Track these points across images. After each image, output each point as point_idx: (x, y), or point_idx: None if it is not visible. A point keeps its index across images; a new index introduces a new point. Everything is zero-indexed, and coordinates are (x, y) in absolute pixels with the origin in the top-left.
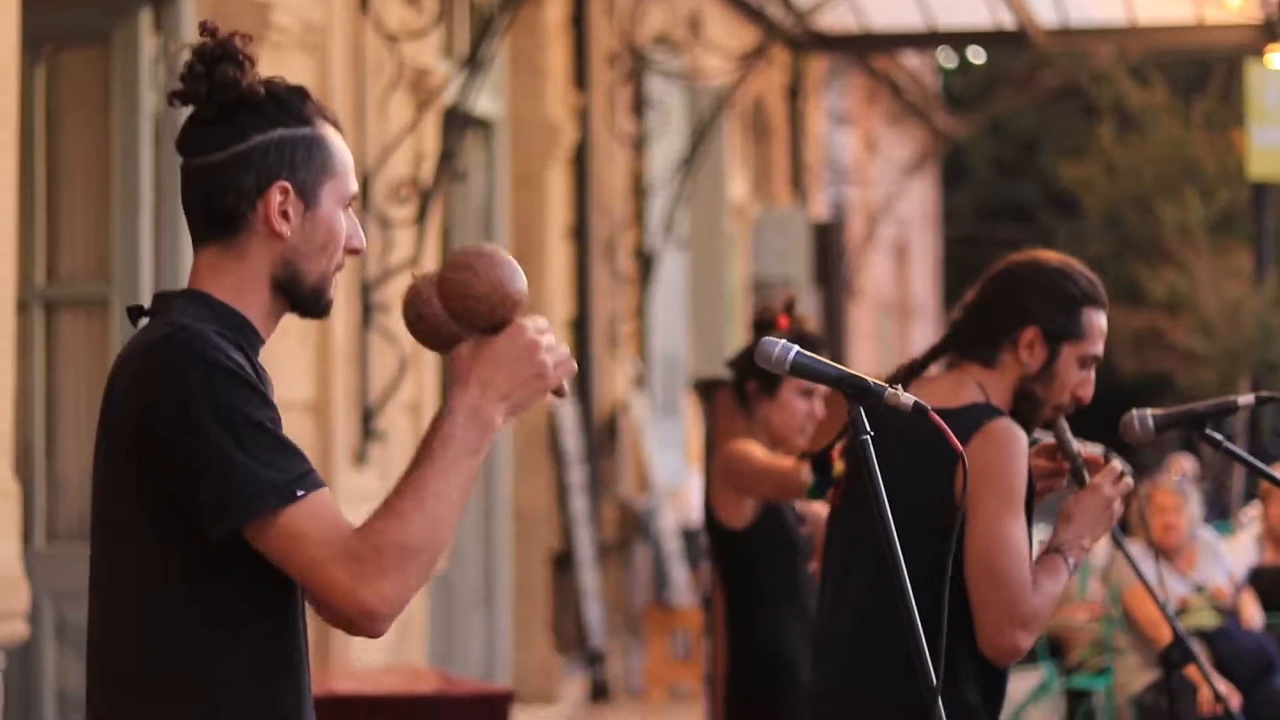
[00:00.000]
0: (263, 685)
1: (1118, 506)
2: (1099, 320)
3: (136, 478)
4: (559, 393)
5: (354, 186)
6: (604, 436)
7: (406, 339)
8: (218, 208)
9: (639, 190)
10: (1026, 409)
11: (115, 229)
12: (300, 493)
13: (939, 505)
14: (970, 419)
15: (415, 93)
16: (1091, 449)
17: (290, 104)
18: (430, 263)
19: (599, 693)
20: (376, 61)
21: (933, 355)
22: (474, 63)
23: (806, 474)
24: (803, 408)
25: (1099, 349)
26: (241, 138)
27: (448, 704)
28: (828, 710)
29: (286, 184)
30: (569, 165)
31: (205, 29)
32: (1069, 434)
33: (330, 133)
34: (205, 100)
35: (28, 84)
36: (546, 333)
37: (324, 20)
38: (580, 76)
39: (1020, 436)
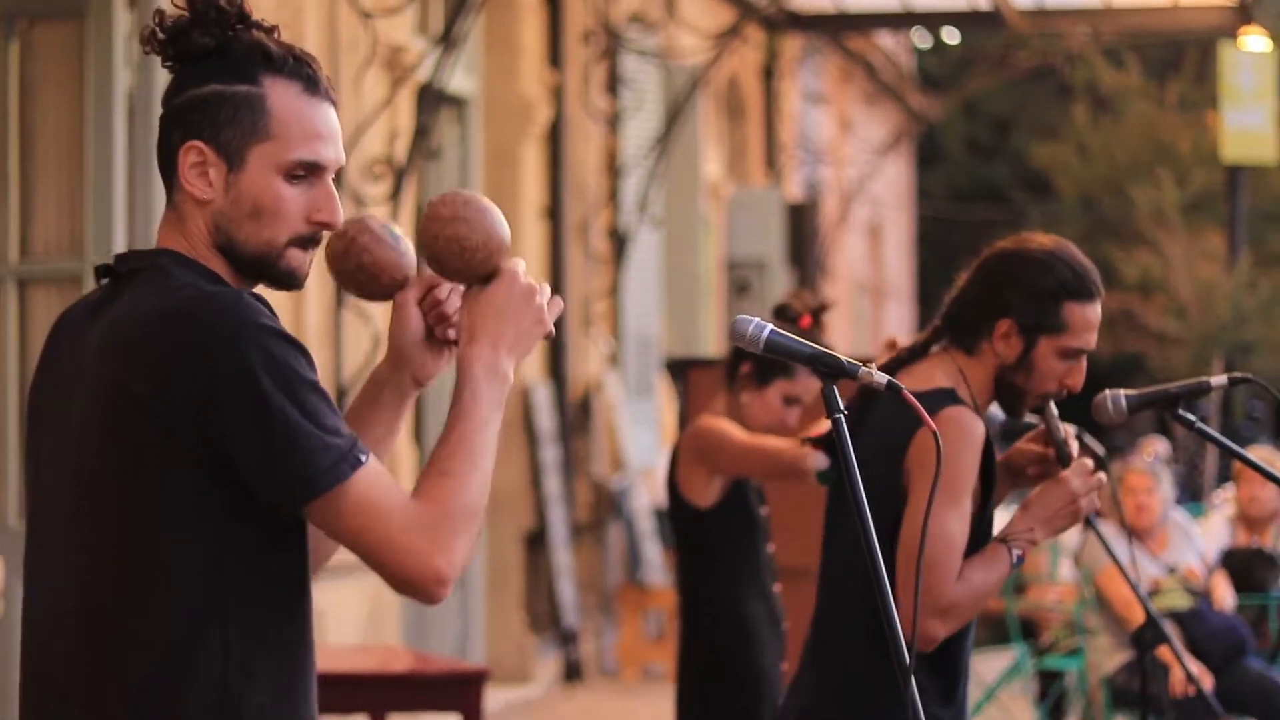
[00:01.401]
0: (275, 668)
1: (1085, 503)
2: (1084, 312)
3: (162, 448)
4: (547, 336)
5: (302, 155)
6: (578, 416)
7: (380, 317)
8: (161, 163)
9: (613, 169)
10: (1009, 397)
11: (89, 205)
12: (363, 457)
13: (887, 495)
14: (927, 405)
15: (389, 70)
16: (1065, 429)
17: (239, 62)
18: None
19: (572, 672)
20: (351, 38)
21: (926, 342)
22: (448, 40)
23: (814, 458)
24: (782, 412)
25: (1085, 340)
26: (180, 90)
27: (422, 683)
28: None
29: (200, 143)
30: (543, 143)
31: None
32: (1057, 421)
33: (280, 96)
34: (162, 47)
35: (2, 60)
36: (529, 274)
37: None
38: (555, 54)
39: (972, 427)
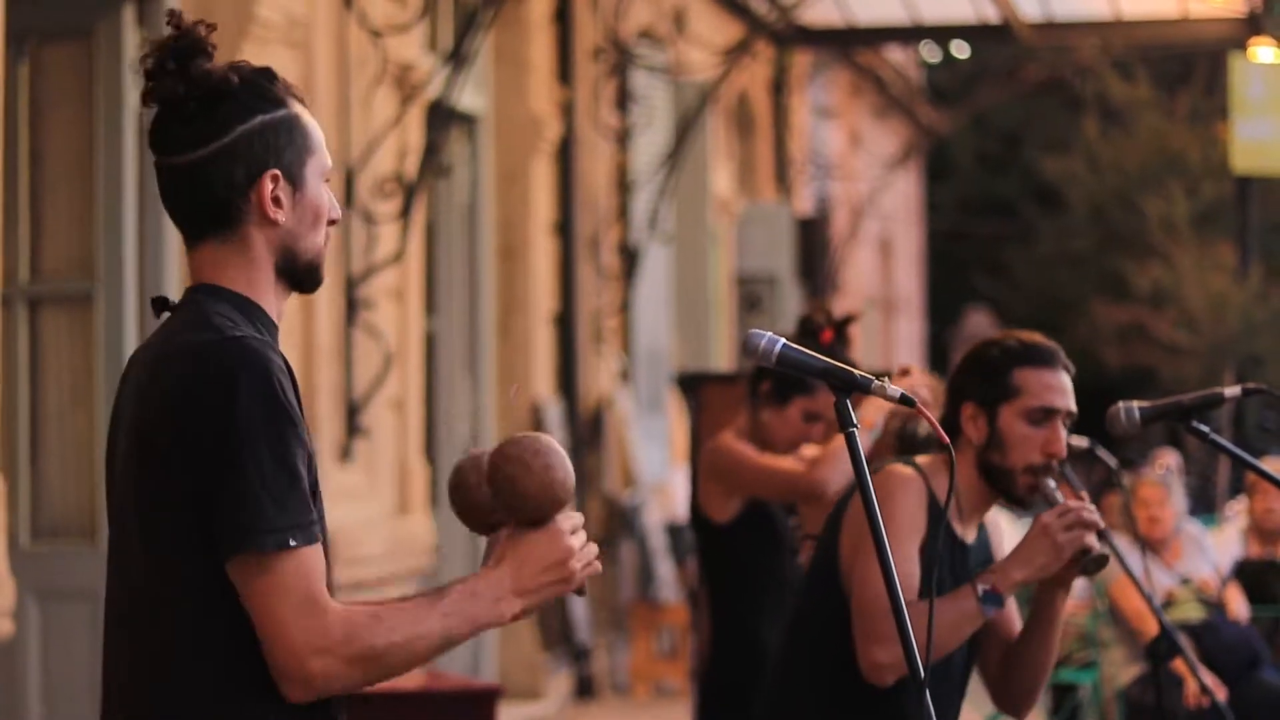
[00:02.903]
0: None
1: (1063, 538)
2: (1036, 375)
3: (172, 483)
4: (579, 592)
5: (328, 160)
6: (589, 432)
7: (391, 335)
8: (210, 203)
9: (623, 185)
10: (997, 480)
11: (99, 225)
12: (293, 543)
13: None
14: (877, 466)
15: (399, 88)
16: (1077, 443)
17: (262, 88)
18: (414, 258)
19: (584, 689)
20: (361, 56)
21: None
22: (458, 57)
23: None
24: (803, 429)
25: (1046, 400)
26: (224, 130)
27: (434, 700)
28: None
29: (276, 171)
30: (553, 160)
31: (173, 21)
32: (1056, 497)
33: (302, 110)
34: (184, 98)
35: (11, 79)
36: (579, 531)
37: (308, 15)
38: (564, 71)
39: (905, 480)
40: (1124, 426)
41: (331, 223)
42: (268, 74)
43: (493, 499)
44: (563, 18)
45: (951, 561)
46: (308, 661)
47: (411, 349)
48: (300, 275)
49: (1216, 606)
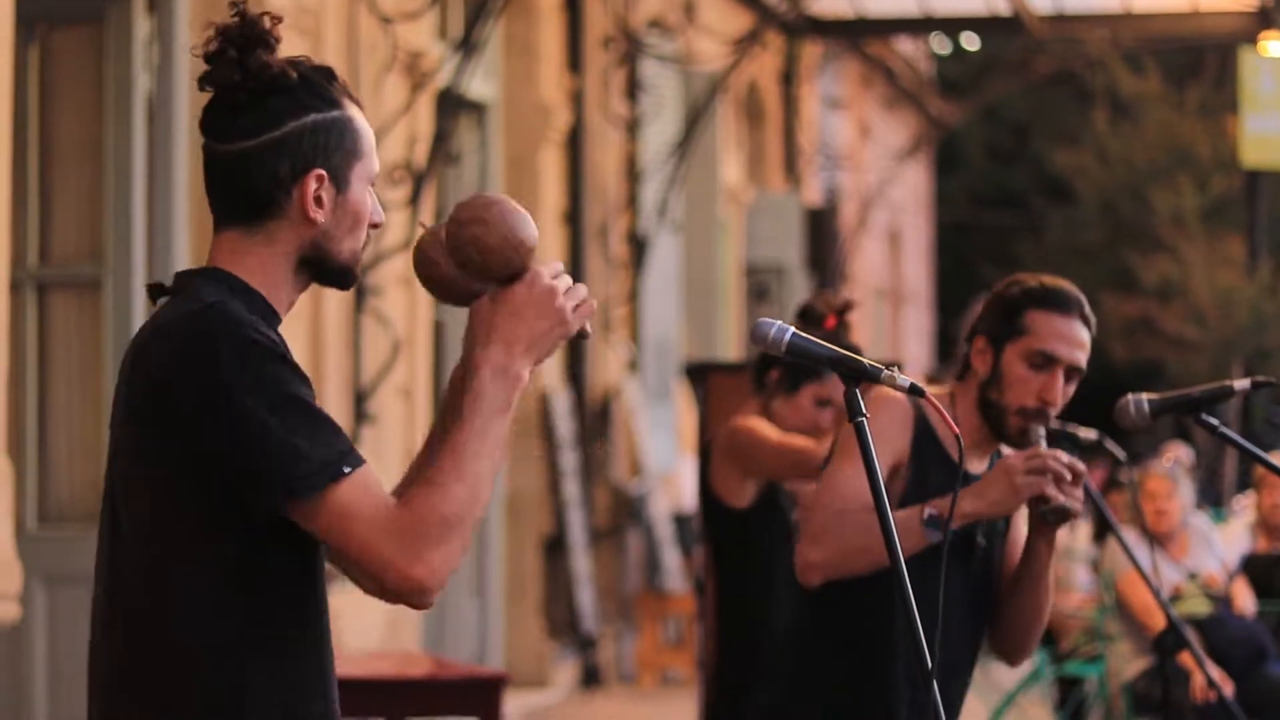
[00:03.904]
0: (287, 663)
1: (1021, 481)
2: (1048, 319)
3: (168, 460)
4: (582, 334)
5: (377, 165)
6: (596, 421)
7: (400, 322)
8: (250, 194)
9: (632, 174)
10: (994, 419)
11: (108, 210)
12: (347, 469)
13: None
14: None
15: (409, 75)
16: (1086, 435)
17: (320, 86)
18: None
19: (591, 678)
20: (370, 43)
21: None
22: (468, 45)
23: None
24: (815, 414)
25: (1050, 346)
26: (276, 124)
27: (440, 688)
28: None
29: (322, 171)
30: (562, 149)
31: (236, 8)
32: (1043, 445)
33: (356, 113)
34: (238, 86)
35: (21, 64)
36: (562, 275)
37: (318, 1)
38: (574, 60)
39: (893, 402)
40: (1133, 419)
41: (374, 226)
42: (327, 73)
43: (462, 268)
44: (573, 6)
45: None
46: (409, 571)
47: (420, 337)
48: (334, 275)
49: (1223, 601)
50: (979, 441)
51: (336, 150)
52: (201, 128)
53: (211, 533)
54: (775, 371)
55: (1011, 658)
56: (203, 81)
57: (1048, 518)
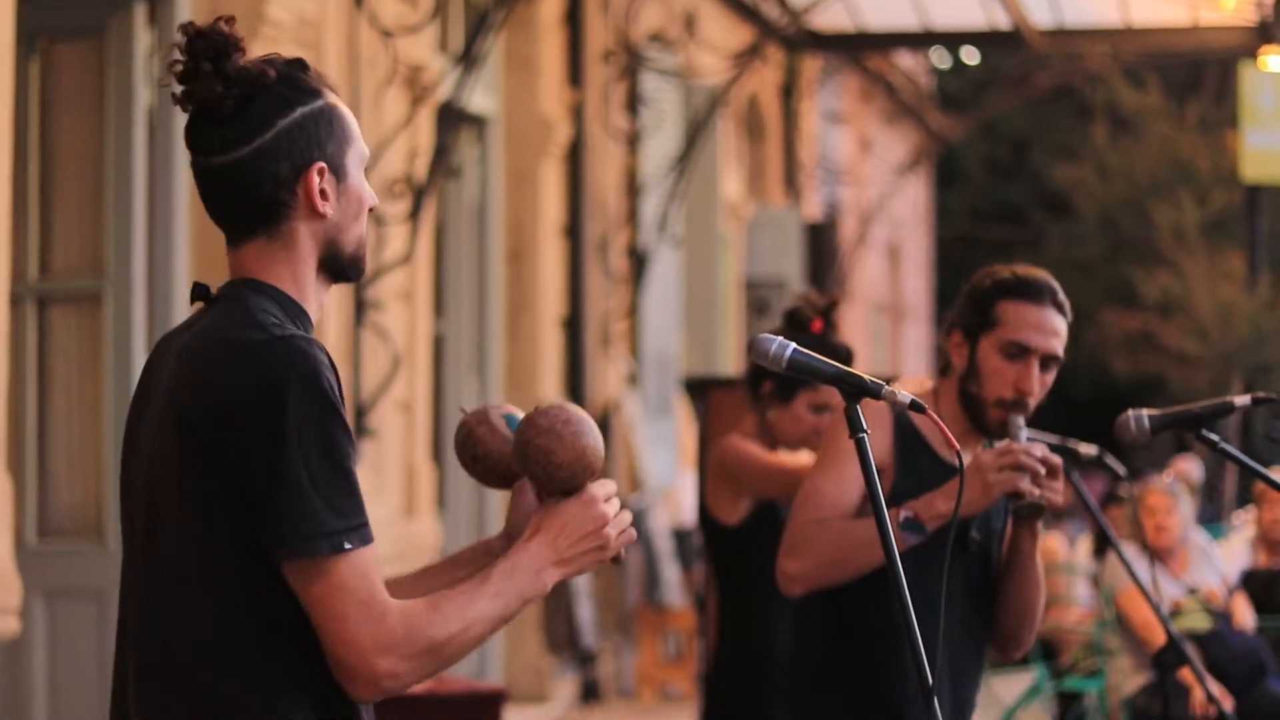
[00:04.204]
0: (319, 690)
1: (993, 478)
2: (1019, 309)
3: (215, 481)
4: (616, 560)
5: (365, 147)
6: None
7: (400, 336)
8: (255, 202)
9: (633, 188)
10: (975, 412)
11: (109, 224)
12: (348, 545)
13: None
14: None
15: (409, 89)
16: (1086, 450)
17: (298, 80)
18: (423, 260)
19: (590, 693)
20: (371, 57)
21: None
22: (469, 59)
23: None
24: (812, 421)
25: (1023, 336)
26: (267, 126)
27: (440, 703)
28: None
29: (322, 164)
30: (563, 162)
31: (186, 30)
32: (1021, 435)
33: (335, 99)
34: (222, 97)
35: (22, 78)
36: (613, 499)
37: (318, 15)
38: (575, 73)
39: (868, 408)
40: (1134, 434)
41: (369, 210)
42: (300, 64)
43: (525, 470)
44: (573, 20)
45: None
46: (374, 662)
47: (420, 350)
48: (345, 266)
49: (1223, 616)
50: (964, 434)
51: (329, 139)
52: (190, 146)
53: (239, 551)
54: (768, 383)
55: (1006, 651)
56: (184, 102)
57: (1023, 512)
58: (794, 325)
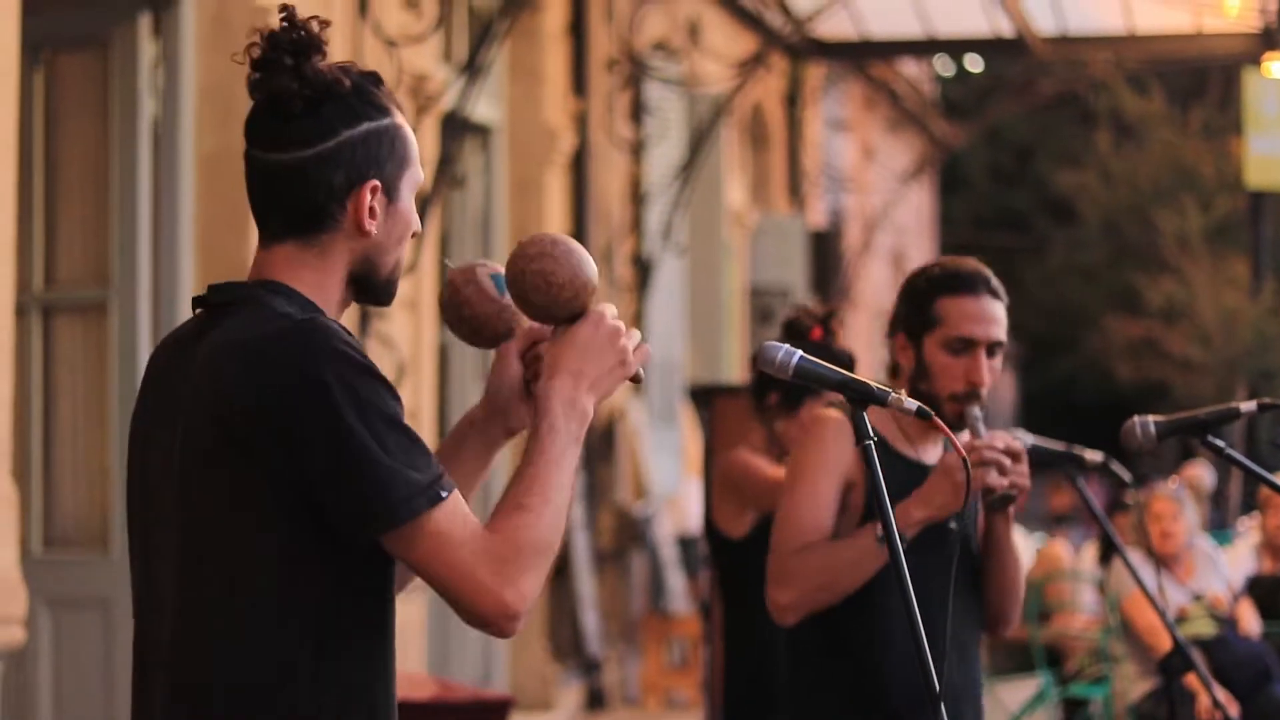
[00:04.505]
0: (360, 689)
1: (962, 479)
2: (957, 305)
3: (266, 480)
4: (636, 379)
5: (421, 172)
6: (601, 443)
7: (405, 345)
8: (303, 206)
9: (637, 197)
10: (930, 409)
11: (113, 234)
12: (444, 494)
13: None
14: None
15: (414, 98)
16: (1092, 457)
17: (371, 93)
18: (427, 269)
19: (595, 701)
20: (375, 66)
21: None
22: (473, 68)
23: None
24: None
25: (966, 330)
26: (331, 133)
27: (445, 710)
28: None
29: (377, 182)
30: (567, 171)
31: (286, 14)
32: (980, 427)
33: (403, 120)
34: (295, 94)
35: (26, 88)
36: (618, 317)
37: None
38: (579, 82)
39: (830, 423)
40: (1139, 441)
41: (414, 236)
42: (375, 79)
43: (524, 305)
44: (577, 29)
45: (912, 486)
46: (502, 596)
47: (424, 360)
48: (379, 287)
49: (1228, 622)
50: (924, 432)
51: (389, 159)
52: (249, 136)
53: (285, 552)
54: (774, 394)
55: (996, 629)
56: (255, 89)
57: (996, 505)
58: (793, 334)
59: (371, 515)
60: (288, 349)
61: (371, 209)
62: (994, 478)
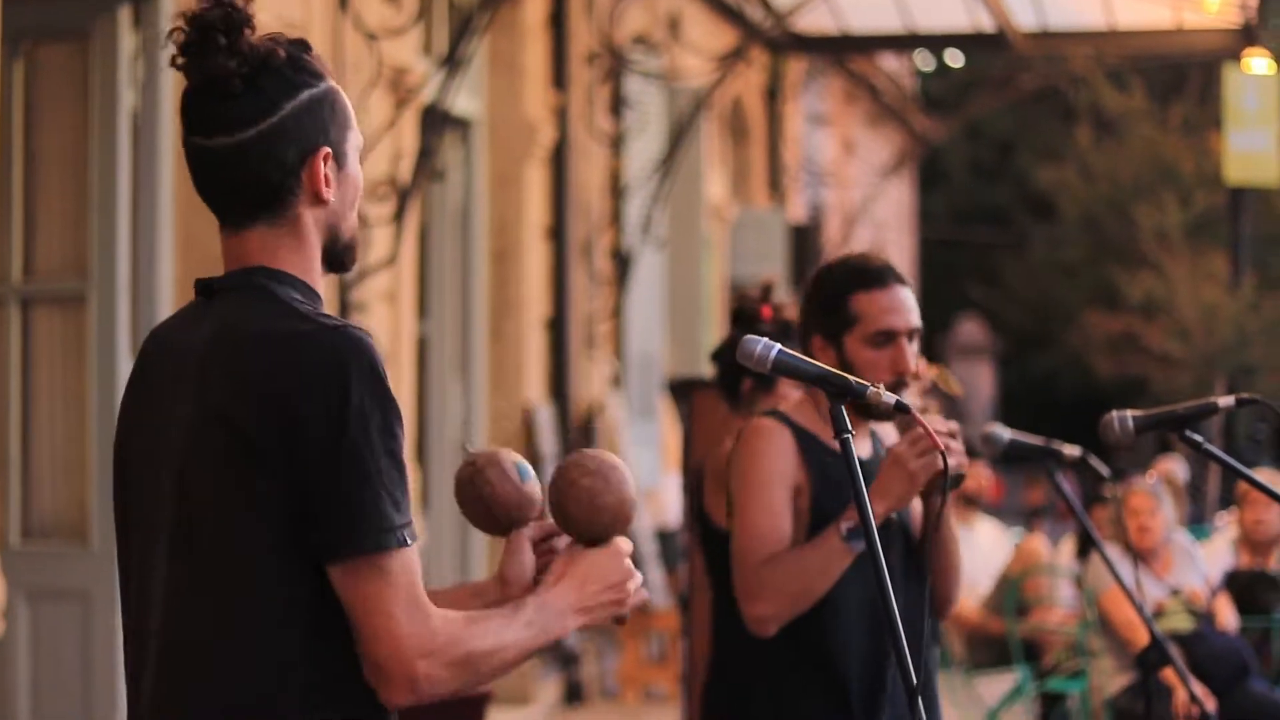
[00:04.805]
0: (347, 691)
1: (915, 466)
2: (871, 301)
3: (267, 476)
4: (620, 620)
5: (361, 136)
6: (580, 437)
7: (384, 338)
8: (261, 186)
9: (617, 190)
10: (859, 404)
11: (93, 226)
12: (410, 540)
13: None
14: (745, 425)
15: (394, 91)
16: (1069, 451)
17: (305, 61)
18: (407, 262)
19: (574, 694)
20: (355, 59)
21: None
22: (453, 61)
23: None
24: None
25: (886, 323)
26: (275, 108)
27: (424, 706)
28: None
29: (328, 149)
30: (547, 165)
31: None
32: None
33: (336, 83)
34: (233, 74)
35: (6, 80)
36: (630, 557)
37: (303, 18)
38: (559, 76)
39: (768, 432)
40: (1117, 435)
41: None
42: (304, 45)
43: (559, 511)
44: (557, 23)
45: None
46: (414, 664)
47: (404, 352)
48: (341, 255)
49: (1206, 617)
50: (854, 426)
51: (332, 124)
52: (188, 125)
53: (284, 553)
54: (747, 381)
55: (943, 612)
56: (190, 73)
57: (953, 485)
58: (742, 323)
59: (338, 535)
60: (316, 352)
61: (326, 177)
62: (939, 461)
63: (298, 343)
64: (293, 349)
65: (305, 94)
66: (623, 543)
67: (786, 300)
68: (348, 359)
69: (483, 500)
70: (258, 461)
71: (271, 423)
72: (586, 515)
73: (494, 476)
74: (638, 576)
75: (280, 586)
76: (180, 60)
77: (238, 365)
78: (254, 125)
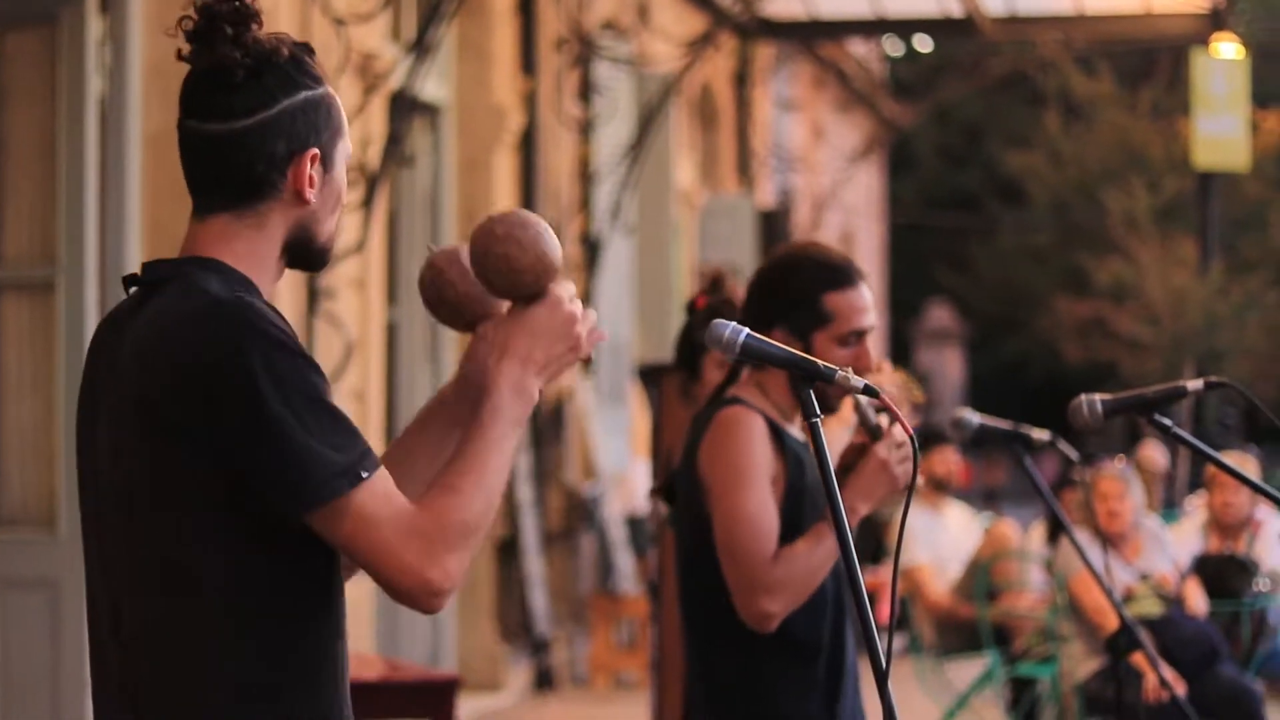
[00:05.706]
0: (307, 672)
1: (898, 469)
2: (844, 300)
3: (189, 455)
4: (587, 360)
5: (350, 145)
6: (550, 424)
7: (353, 324)
8: (244, 175)
9: (586, 176)
10: (819, 399)
11: (61, 213)
12: (365, 474)
13: (693, 496)
14: (710, 412)
15: (362, 77)
16: (1039, 435)
17: (306, 64)
18: (375, 248)
19: (544, 680)
20: (323, 44)
21: (734, 369)
22: (421, 47)
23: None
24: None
25: (856, 323)
26: (272, 102)
27: (393, 690)
28: None
29: (317, 151)
30: (516, 150)
31: None
32: (870, 413)
33: (333, 91)
34: (236, 64)
35: None
36: (576, 300)
37: (271, 3)
38: (528, 62)
39: (747, 420)
40: (1086, 419)
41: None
42: (308, 49)
43: (485, 282)
44: (526, 9)
45: (808, 465)
46: (426, 576)
47: (373, 339)
48: (313, 256)
49: (1175, 601)
50: (795, 409)
51: (325, 128)
52: (185, 107)
53: (217, 534)
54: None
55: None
56: (195, 60)
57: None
58: (691, 309)
59: (292, 496)
60: (205, 327)
61: (311, 178)
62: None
63: (189, 321)
64: (186, 329)
65: (303, 94)
66: (559, 288)
67: (734, 285)
68: (238, 326)
69: (446, 300)
70: (177, 448)
71: (184, 406)
72: (508, 280)
73: (455, 275)
74: (589, 316)
75: (224, 574)
76: (188, 48)
77: (147, 354)
78: (250, 115)
